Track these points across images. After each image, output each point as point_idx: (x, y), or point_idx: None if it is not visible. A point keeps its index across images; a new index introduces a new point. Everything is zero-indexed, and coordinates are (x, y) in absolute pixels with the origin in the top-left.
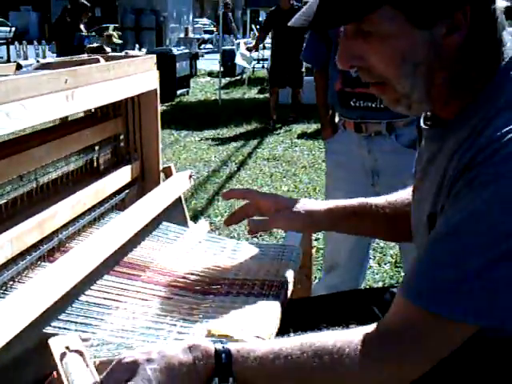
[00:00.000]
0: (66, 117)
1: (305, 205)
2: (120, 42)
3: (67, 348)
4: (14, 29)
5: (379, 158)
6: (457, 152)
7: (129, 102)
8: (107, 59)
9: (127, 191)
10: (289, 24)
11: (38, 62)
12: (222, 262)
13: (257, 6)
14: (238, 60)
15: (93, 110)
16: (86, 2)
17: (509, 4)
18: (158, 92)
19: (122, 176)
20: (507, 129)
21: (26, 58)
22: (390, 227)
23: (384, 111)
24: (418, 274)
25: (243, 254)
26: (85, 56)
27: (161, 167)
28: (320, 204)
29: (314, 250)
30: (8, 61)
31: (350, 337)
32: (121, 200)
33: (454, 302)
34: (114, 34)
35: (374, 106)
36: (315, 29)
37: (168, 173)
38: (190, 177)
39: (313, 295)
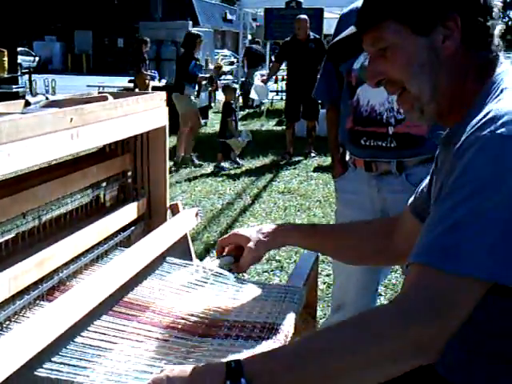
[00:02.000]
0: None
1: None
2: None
3: None
4: (37, 58)
5: (388, 198)
6: (454, 153)
7: (138, 139)
8: (116, 96)
9: (133, 228)
10: (330, 44)
11: (47, 98)
12: (223, 303)
13: (275, 39)
14: (252, 93)
15: (101, 147)
16: (197, 32)
17: (503, 26)
18: (167, 128)
19: (128, 213)
20: (484, 115)
21: (35, 95)
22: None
23: (394, 150)
24: (422, 241)
25: (246, 294)
26: (95, 93)
27: (168, 204)
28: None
29: (325, 286)
30: (31, 91)
31: (369, 314)
32: (126, 237)
33: (439, 254)
34: (222, 63)
35: (384, 145)
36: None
37: (175, 210)
38: (197, 214)
39: None
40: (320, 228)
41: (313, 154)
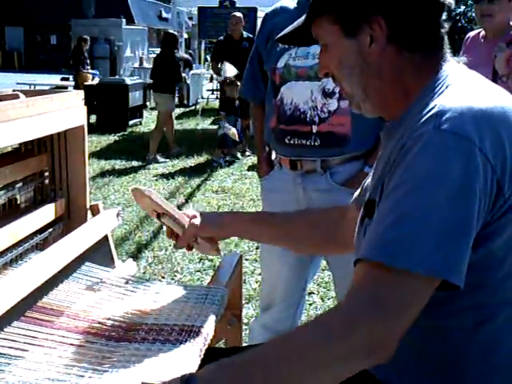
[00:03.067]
0: None
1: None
2: None
3: None
4: None
5: (314, 196)
6: (396, 144)
7: (54, 138)
8: (30, 95)
9: (50, 230)
10: (277, 37)
11: None
12: (142, 306)
13: (209, 37)
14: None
15: (17, 146)
16: (175, 33)
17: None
18: (86, 128)
19: (44, 214)
20: (429, 110)
21: None
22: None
23: (318, 149)
24: (368, 238)
25: (166, 296)
26: (9, 91)
27: (89, 205)
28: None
29: (257, 285)
30: None
31: (319, 318)
32: (44, 239)
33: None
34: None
35: (308, 143)
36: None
37: (95, 211)
38: (118, 215)
39: (250, 333)
40: (264, 215)
41: (247, 153)
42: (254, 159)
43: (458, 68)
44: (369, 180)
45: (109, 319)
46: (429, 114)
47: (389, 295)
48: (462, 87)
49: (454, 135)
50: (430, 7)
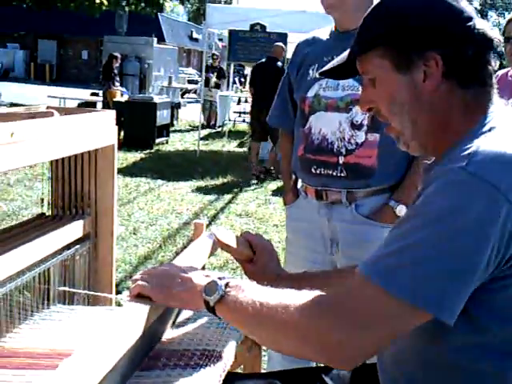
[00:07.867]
0: None
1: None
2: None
3: None
4: None
5: (338, 227)
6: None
7: (85, 156)
8: (64, 113)
9: (77, 247)
10: (321, 70)
11: None
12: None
13: (238, 60)
14: None
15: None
16: None
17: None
18: (116, 147)
19: (72, 231)
20: (465, 149)
21: None
22: None
23: (344, 180)
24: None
25: (189, 322)
26: (43, 108)
27: (116, 222)
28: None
29: None
30: None
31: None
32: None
33: (392, 280)
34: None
35: (334, 174)
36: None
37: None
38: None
39: (269, 361)
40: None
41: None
42: (279, 184)
43: (505, 110)
44: None
45: None
46: (463, 153)
47: (364, 312)
48: (504, 131)
49: (477, 178)
50: (481, 42)
